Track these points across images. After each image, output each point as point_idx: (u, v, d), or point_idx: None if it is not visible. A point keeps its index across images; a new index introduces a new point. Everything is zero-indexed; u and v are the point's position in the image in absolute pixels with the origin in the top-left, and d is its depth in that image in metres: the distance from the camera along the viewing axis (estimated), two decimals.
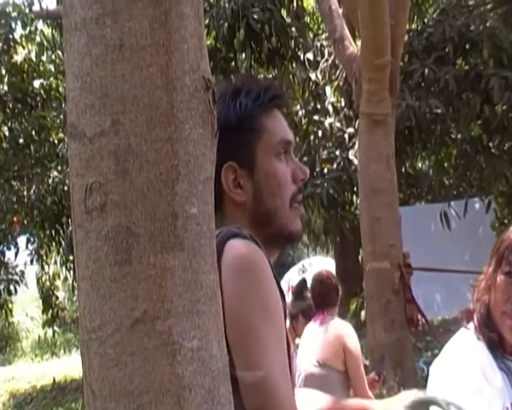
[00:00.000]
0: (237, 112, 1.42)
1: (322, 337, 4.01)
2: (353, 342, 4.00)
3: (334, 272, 4.59)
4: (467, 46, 8.48)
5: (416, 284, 6.47)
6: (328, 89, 9.86)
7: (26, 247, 11.72)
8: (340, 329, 4.06)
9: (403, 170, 9.70)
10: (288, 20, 9.78)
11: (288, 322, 4.39)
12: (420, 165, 11.63)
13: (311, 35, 10.79)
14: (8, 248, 11.01)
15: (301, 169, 1.45)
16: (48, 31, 11.44)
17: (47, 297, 12.13)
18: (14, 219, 10.98)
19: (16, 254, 11.29)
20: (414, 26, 9.84)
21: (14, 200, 10.60)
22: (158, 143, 0.88)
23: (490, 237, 8.44)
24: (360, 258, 10.77)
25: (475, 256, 8.11)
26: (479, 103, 8.13)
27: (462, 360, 1.71)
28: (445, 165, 10.03)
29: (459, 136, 9.03)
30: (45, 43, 11.20)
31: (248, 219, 1.40)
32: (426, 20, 9.75)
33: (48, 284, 12.39)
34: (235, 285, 1.23)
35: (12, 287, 10.57)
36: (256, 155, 1.41)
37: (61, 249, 11.50)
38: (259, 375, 1.19)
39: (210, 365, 0.88)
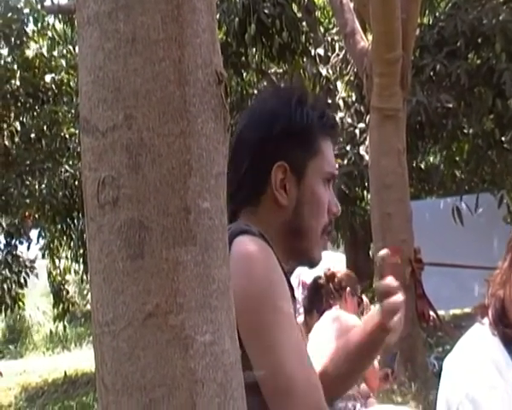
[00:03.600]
0: (303, 119, 1.42)
1: (330, 332, 4.00)
2: None
3: (341, 266, 4.56)
4: (479, 40, 8.42)
5: (426, 280, 6.45)
6: (339, 83, 9.84)
7: (38, 241, 11.76)
8: (347, 322, 4.04)
9: (414, 165, 9.66)
10: (299, 15, 9.75)
11: (301, 317, 4.39)
12: (431, 159, 11.58)
13: (322, 30, 10.76)
14: (21, 243, 11.05)
15: (335, 204, 1.47)
16: (59, 26, 11.47)
17: (58, 291, 12.17)
18: (26, 213, 11.03)
19: (28, 248, 11.34)
20: (425, 20, 9.78)
21: (26, 194, 10.64)
22: (170, 138, 0.88)
23: (501, 232, 8.40)
24: (371, 253, 10.76)
25: (486, 251, 8.08)
26: (491, 98, 8.08)
27: (476, 355, 1.71)
28: (457, 159, 9.98)
29: (471, 130, 8.99)
30: (57, 38, 11.22)
31: (282, 224, 1.41)
32: (437, 14, 9.70)
33: (59, 278, 12.43)
34: (243, 281, 1.23)
35: (22, 280, 10.61)
36: (307, 169, 1.42)
37: (71, 243, 11.54)
38: (272, 361, 1.20)
39: (222, 359, 0.88)
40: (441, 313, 8.21)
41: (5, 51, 10.43)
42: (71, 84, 10.95)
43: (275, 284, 1.27)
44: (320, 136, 1.44)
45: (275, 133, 1.40)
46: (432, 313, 6.44)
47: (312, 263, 1.47)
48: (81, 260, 11.37)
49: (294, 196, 1.41)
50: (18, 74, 10.47)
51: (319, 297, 4.26)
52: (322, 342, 3.89)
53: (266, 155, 1.40)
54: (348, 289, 4.18)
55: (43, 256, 12.10)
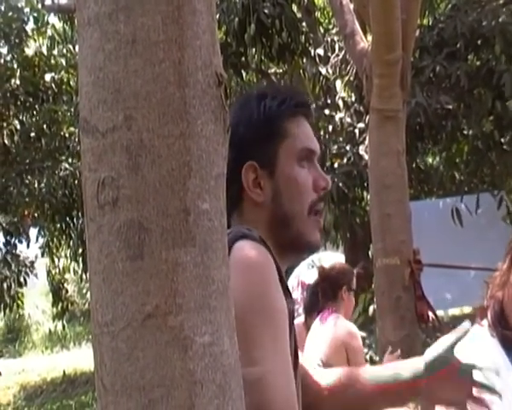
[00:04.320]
0: (261, 113, 1.43)
1: (325, 336, 3.99)
2: (355, 340, 3.97)
3: (337, 265, 4.54)
4: (478, 42, 8.42)
5: (425, 280, 6.45)
6: (338, 84, 9.83)
7: (37, 240, 11.77)
8: (342, 328, 4.03)
9: (413, 166, 9.66)
10: (299, 15, 9.75)
11: (301, 317, 4.39)
12: (431, 160, 11.59)
13: (322, 30, 10.76)
14: (20, 241, 11.06)
15: (323, 178, 1.45)
16: (59, 25, 11.47)
17: (57, 290, 12.19)
18: (26, 212, 11.03)
19: (28, 247, 11.36)
20: (425, 21, 9.79)
21: (26, 193, 10.65)
22: (170, 139, 0.89)
23: (501, 233, 8.41)
24: (370, 253, 10.75)
25: (486, 252, 8.07)
26: (490, 99, 8.08)
27: (475, 356, 1.71)
28: (457, 160, 9.99)
29: (470, 132, 8.99)
30: (56, 37, 11.22)
31: (266, 220, 1.40)
32: (437, 15, 9.70)
33: (58, 277, 12.44)
34: (239, 286, 1.21)
35: (22, 279, 10.62)
36: (277, 158, 1.42)
37: (71, 242, 11.54)
38: (257, 373, 1.18)
39: (221, 360, 0.88)
40: (440, 313, 8.22)
41: (5, 50, 10.44)
42: (70, 83, 10.96)
43: (270, 290, 1.26)
44: (285, 119, 1.43)
45: (238, 138, 1.40)
46: (431, 313, 6.44)
47: (311, 247, 1.44)
48: (80, 259, 11.38)
49: (270, 189, 1.40)
50: (18, 73, 10.48)
51: (318, 298, 4.27)
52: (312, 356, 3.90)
53: (235, 161, 1.39)
54: (344, 287, 4.17)
55: (43, 255, 12.11)
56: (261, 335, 1.22)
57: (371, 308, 7.97)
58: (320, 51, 9.58)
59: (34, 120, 10.92)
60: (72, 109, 10.55)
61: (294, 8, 9.63)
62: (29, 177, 10.86)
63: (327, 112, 9.27)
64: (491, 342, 1.72)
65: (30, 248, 11.49)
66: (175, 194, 0.88)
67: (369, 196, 7.63)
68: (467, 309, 11.17)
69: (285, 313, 1.27)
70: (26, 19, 10.45)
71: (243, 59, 9.47)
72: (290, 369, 1.25)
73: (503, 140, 8.91)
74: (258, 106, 1.44)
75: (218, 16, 8.77)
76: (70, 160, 10.97)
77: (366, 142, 8.04)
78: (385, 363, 4.08)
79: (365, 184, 8.66)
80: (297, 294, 4.85)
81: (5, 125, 10.75)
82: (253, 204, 1.41)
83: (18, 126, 10.96)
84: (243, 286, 1.23)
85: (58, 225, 11.30)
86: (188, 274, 0.87)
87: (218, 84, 0.93)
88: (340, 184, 8.44)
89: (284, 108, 1.44)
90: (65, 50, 11.37)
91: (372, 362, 7.07)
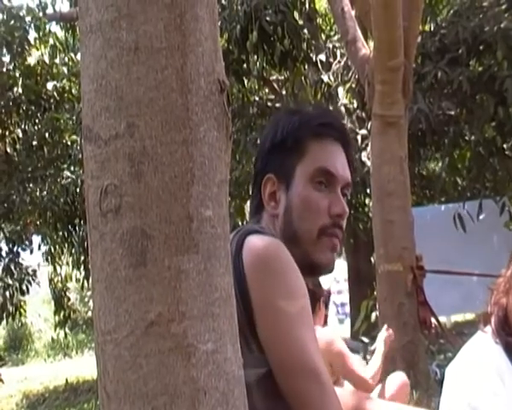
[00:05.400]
0: (283, 128, 1.44)
1: None
2: (334, 346, 3.92)
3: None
4: (480, 47, 8.42)
5: (428, 286, 6.44)
6: (340, 90, 9.84)
7: (39, 248, 11.77)
8: (321, 338, 3.98)
9: (416, 172, 9.65)
10: (301, 22, 9.76)
11: None
12: (433, 166, 11.58)
13: (324, 37, 10.77)
14: (23, 249, 11.06)
15: (339, 204, 1.43)
16: (61, 33, 11.49)
17: (59, 298, 12.17)
18: (28, 220, 11.03)
19: (31, 254, 11.35)
20: (427, 27, 9.79)
21: (28, 201, 10.65)
22: (173, 146, 0.88)
23: (503, 239, 8.39)
24: (372, 259, 10.74)
25: (488, 258, 8.05)
26: (493, 105, 8.08)
27: (478, 363, 1.70)
28: (459, 166, 9.98)
29: (473, 137, 8.98)
30: (58, 45, 11.24)
31: (280, 233, 1.41)
32: (439, 21, 9.70)
33: (60, 285, 12.42)
34: (259, 276, 1.23)
35: (24, 287, 10.61)
36: (294, 174, 1.42)
37: (73, 250, 11.53)
38: (301, 360, 1.20)
39: (224, 367, 0.88)
40: (443, 320, 8.19)
41: (7, 58, 10.45)
42: (72, 91, 10.97)
43: (290, 274, 1.26)
44: (307, 137, 1.43)
45: (264, 151, 1.47)
46: (434, 320, 6.43)
47: (318, 268, 1.42)
48: (82, 266, 11.36)
49: (284, 203, 1.42)
50: (20, 81, 10.49)
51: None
52: None
53: (258, 171, 1.47)
54: (322, 298, 4.17)
55: (47, 260, 12.11)
56: (292, 320, 1.22)
57: (373, 315, 7.95)
58: (322, 58, 9.59)
59: (36, 128, 10.93)
60: (74, 117, 10.56)
61: (296, 15, 9.63)
62: (31, 185, 10.86)
63: None
64: (494, 349, 1.71)
65: (32, 256, 11.49)
66: (178, 201, 0.88)
67: (371, 203, 7.63)
68: (469, 315, 11.15)
69: (307, 294, 1.28)
70: (27, 27, 10.46)
71: (245, 66, 9.48)
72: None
73: (505, 146, 8.90)
74: (285, 122, 1.45)
75: (219, 23, 8.77)
76: (72, 168, 10.96)
77: (368, 148, 8.04)
78: (381, 342, 4.10)
79: (367, 191, 8.66)
80: None
81: (7, 133, 10.77)
82: (270, 216, 1.44)
83: (20, 135, 10.98)
84: (262, 275, 1.24)
85: (60, 233, 11.30)
86: (191, 282, 0.87)
87: (220, 90, 0.93)
88: None
89: (307, 126, 1.44)
90: (67, 59, 11.38)
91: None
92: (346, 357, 3.90)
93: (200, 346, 0.86)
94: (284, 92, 10.80)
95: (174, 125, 0.89)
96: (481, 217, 8.48)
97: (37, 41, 11.01)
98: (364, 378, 3.84)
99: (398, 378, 4.15)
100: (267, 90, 11.21)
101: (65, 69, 11.13)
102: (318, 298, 4.08)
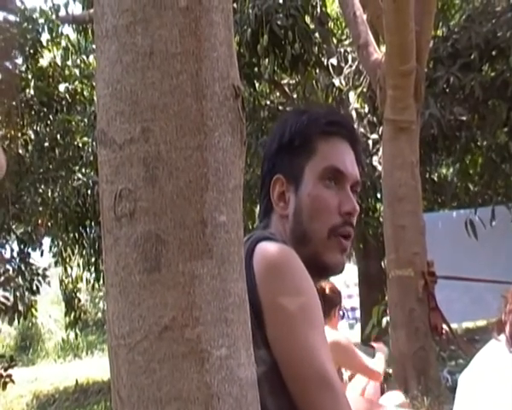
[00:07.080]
0: (291, 127, 1.43)
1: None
2: (342, 345, 3.91)
3: (332, 286, 4.52)
4: (493, 53, 8.40)
5: (439, 292, 6.42)
6: (351, 95, 9.84)
7: (50, 249, 11.82)
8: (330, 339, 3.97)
9: (427, 177, 9.63)
10: (312, 26, 9.77)
11: None
12: (444, 172, 11.55)
13: (335, 41, 10.76)
14: (34, 249, 11.11)
15: (349, 202, 1.40)
16: (73, 35, 11.55)
17: (69, 300, 12.21)
18: (39, 221, 11.08)
19: (42, 255, 11.40)
20: (439, 32, 9.77)
21: (39, 202, 10.70)
22: (187, 151, 0.88)
23: None
24: (383, 264, 10.72)
25: (500, 264, 8.02)
26: (505, 110, 8.05)
27: (492, 372, 1.69)
28: (470, 172, 9.94)
29: (485, 143, 8.95)
30: (70, 47, 11.30)
31: (289, 234, 1.40)
32: (451, 26, 9.69)
33: (70, 286, 12.47)
34: (269, 281, 1.23)
35: (35, 287, 10.65)
36: (303, 174, 1.41)
37: (84, 252, 11.58)
38: (312, 367, 1.19)
39: (238, 373, 0.88)
40: (454, 326, 8.15)
41: (20, 60, 10.51)
42: (84, 93, 11.03)
43: (301, 279, 1.25)
44: (315, 136, 1.42)
45: (271, 150, 1.45)
46: (445, 326, 6.40)
47: (328, 268, 1.40)
48: (93, 268, 11.41)
49: (293, 203, 1.41)
50: (32, 83, 10.55)
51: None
52: None
53: (266, 172, 1.45)
54: (338, 306, 4.17)
55: (56, 264, 12.15)
56: (303, 325, 1.22)
57: (384, 320, 7.92)
58: (333, 62, 9.59)
59: (48, 129, 10.98)
60: (86, 119, 10.61)
61: (307, 19, 9.64)
62: (43, 186, 10.91)
63: None
64: (508, 358, 1.69)
65: (43, 258, 11.54)
66: (192, 206, 0.88)
67: (382, 208, 7.62)
68: (480, 322, 11.09)
69: (318, 299, 1.27)
70: (40, 30, 10.53)
71: (256, 70, 9.50)
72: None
73: None
74: (293, 121, 1.44)
75: None
76: (83, 170, 11.02)
77: (380, 153, 8.03)
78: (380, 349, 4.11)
79: (379, 196, 8.64)
80: None
81: (19, 134, 10.82)
82: (279, 216, 1.42)
83: (32, 136, 11.03)
84: (273, 280, 1.23)
85: (71, 235, 11.35)
86: (205, 287, 0.87)
87: (235, 96, 0.93)
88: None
89: (316, 125, 1.43)
90: (79, 61, 11.44)
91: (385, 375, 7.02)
92: (354, 352, 3.90)
93: (214, 351, 0.86)
94: (295, 96, 10.81)
95: (189, 130, 0.89)
96: (493, 223, 8.45)
97: (50, 43, 11.06)
98: (374, 370, 3.87)
99: (395, 398, 4.12)
100: (278, 94, 11.22)
101: (77, 71, 11.18)
102: (335, 305, 4.09)
